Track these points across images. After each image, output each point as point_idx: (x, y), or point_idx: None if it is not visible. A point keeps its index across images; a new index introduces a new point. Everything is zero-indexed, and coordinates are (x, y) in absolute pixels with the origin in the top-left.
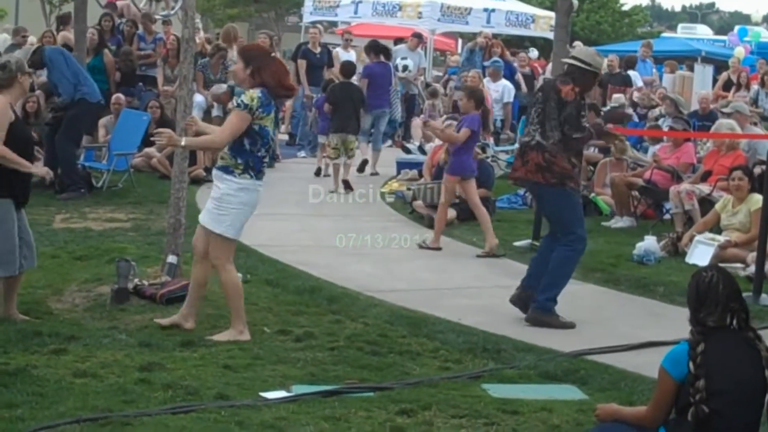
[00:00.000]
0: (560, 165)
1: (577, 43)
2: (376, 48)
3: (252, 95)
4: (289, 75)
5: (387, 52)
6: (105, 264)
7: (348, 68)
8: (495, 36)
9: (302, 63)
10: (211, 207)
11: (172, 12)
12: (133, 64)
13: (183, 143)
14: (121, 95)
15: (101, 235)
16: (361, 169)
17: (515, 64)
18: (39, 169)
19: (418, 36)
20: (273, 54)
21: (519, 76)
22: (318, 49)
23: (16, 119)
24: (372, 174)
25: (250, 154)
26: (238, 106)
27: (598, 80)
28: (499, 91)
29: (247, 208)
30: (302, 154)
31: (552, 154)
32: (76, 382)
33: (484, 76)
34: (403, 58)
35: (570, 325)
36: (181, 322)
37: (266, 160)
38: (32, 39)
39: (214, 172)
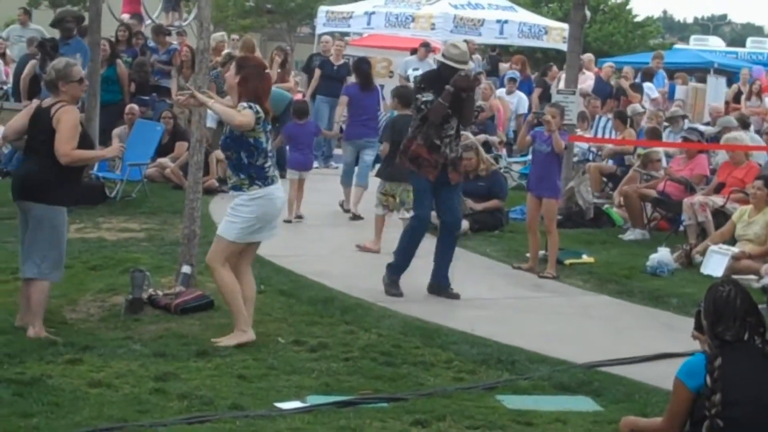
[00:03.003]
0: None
1: (588, 55)
2: (359, 68)
3: (260, 110)
4: (269, 97)
5: (369, 77)
6: (119, 274)
7: (406, 97)
8: (507, 48)
9: (317, 73)
10: (226, 216)
11: (185, 23)
12: (147, 75)
13: (210, 102)
14: (134, 105)
15: (115, 245)
16: (354, 218)
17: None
18: (112, 149)
19: (425, 45)
20: (266, 71)
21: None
22: (340, 62)
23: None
24: (352, 218)
25: (250, 167)
26: (250, 108)
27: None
28: (513, 102)
29: (263, 216)
30: (315, 164)
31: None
32: (91, 392)
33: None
34: (414, 69)
35: (398, 295)
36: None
37: (268, 166)
38: None
39: (229, 191)
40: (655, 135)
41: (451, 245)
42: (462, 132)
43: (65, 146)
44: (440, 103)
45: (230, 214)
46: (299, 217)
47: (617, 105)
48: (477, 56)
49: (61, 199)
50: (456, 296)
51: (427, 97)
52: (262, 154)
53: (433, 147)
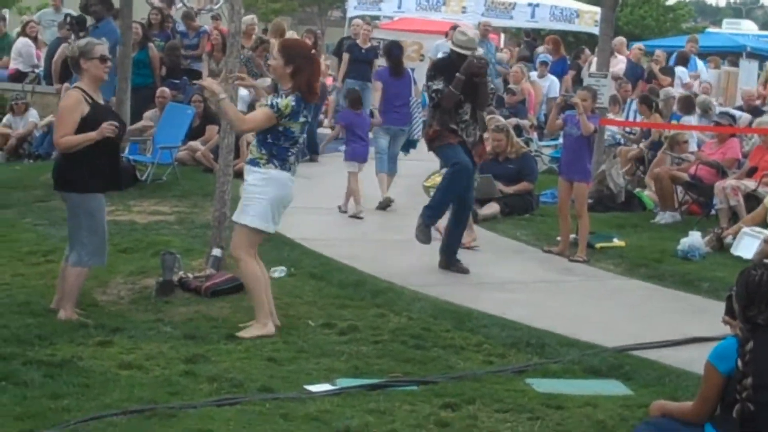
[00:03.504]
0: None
1: (620, 38)
2: (390, 52)
3: (287, 103)
4: (319, 79)
5: (400, 62)
6: (150, 257)
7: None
8: (539, 31)
9: (346, 57)
10: (240, 201)
11: (216, 6)
12: (178, 58)
13: (221, 97)
14: (166, 89)
15: (146, 228)
16: (384, 206)
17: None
18: (104, 129)
19: (455, 29)
20: (313, 53)
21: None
22: (367, 45)
23: (95, 104)
24: (384, 206)
25: (273, 146)
26: (271, 106)
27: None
28: (545, 86)
29: (275, 200)
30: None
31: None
32: (121, 374)
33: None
34: (444, 53)
35: (425, 242)
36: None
37: (292, 151)
38: None
39: (245, 167)
40: (688, 104)
41: (462, 221)
42: (492, 115)
43: (56, 135)
44: (451, 92)
45: (244, 197)
46: (360, 213)
47: (648, 88)
48: (490, 39)
49: (93, 186)
50: (465, 270)
51: (438, 85)
52: (289, 140)
53: (451, 131)
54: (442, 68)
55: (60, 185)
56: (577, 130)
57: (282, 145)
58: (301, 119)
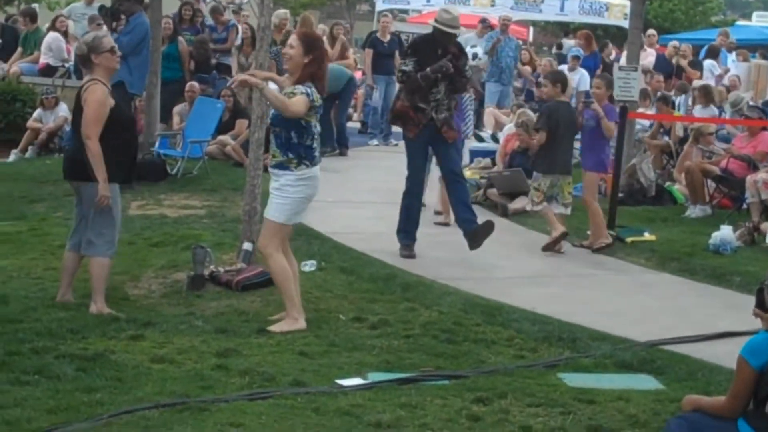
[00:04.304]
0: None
1: (651, 31)
2: None
3: (316, 97)
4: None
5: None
6: (181, 251)
7: (563, 80)
8: (568, 24)
9: (369, 52)
10: (272, 198)
11: (245, 1)
12: (207, 52)
13: (262, 86)
14: (195, 83)
15: (176, 221)
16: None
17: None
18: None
19: (483, 21)
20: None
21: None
22: (387, 38)
23: (115, 104)
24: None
25: (299, 146)
26: (307, 95)
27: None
28: (575, 79)
29: (308, 198)
30: (374, 142)
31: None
32: (153, 368)
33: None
34: (472, 46)
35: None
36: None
37: (315, 147)
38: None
39: (271, 170)
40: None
41: (458, 190)
42: (522, 109)
43: (89, 128)
44: (418, 83)
45: (278, 196)
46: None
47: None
48: (511, 33)
49: (111, 177)
50: (489, 224)
51: (407, 66)
52: (311, 136)
53: (418, 108)
54: (418, 47)
55: (76, 175)
56: (591, 121)
57: (306, 143)
58: (320, 111)
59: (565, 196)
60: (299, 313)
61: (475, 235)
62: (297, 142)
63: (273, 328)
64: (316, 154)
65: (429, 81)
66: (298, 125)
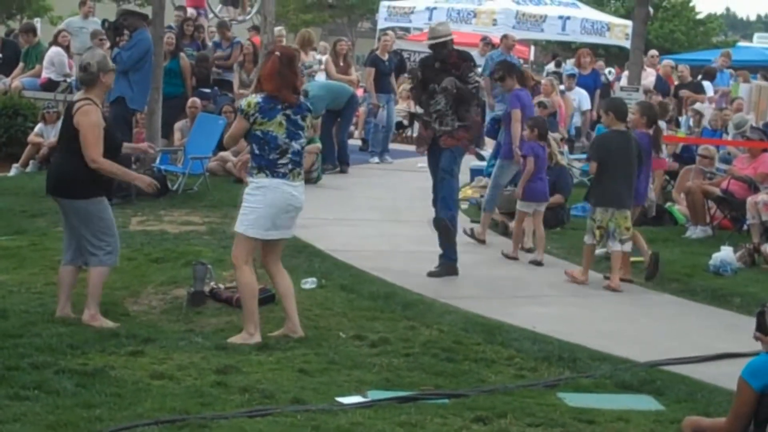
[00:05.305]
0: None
1: (653, 51)
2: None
3: (250, 101)
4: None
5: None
6: (181, 267)
7: (622, 110)
8: (569, 44)
9: (371, 71)
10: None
11: (248, 17)
12: (208, 69)
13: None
14: (197, 99)
15: (177, 238)
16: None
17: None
18: (142, 178)
19: (484, 39)
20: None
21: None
22: (386, 56)
23: (106, 127)
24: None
25: (260, 158)
26: (241, 111)
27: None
28: (575, 99)
29: (271, 207)
30: (375, 160)
31: None
32: (153, 384)
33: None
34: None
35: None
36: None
37: (282, 162)
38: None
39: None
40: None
41: (445, 186)
42: None
43: (92, 151)
44: (418, 95)
45: (242, 207)
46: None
47: (677, 103)
48: (513, 53)
49: (98, 192)
50: (454, 270)
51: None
52: (276, 149)
53: (425, 123)
54: (421, 64)
55: (64, 192)
56: None
57: (268, 156)
58: (279, 118)
59: (622, 232)
60: (255, 329)
61: (442, 269)
62: (258, 153)
63: (231, 339)
64: (281, 169)
65: (428, 93)
66: (256, 138)
